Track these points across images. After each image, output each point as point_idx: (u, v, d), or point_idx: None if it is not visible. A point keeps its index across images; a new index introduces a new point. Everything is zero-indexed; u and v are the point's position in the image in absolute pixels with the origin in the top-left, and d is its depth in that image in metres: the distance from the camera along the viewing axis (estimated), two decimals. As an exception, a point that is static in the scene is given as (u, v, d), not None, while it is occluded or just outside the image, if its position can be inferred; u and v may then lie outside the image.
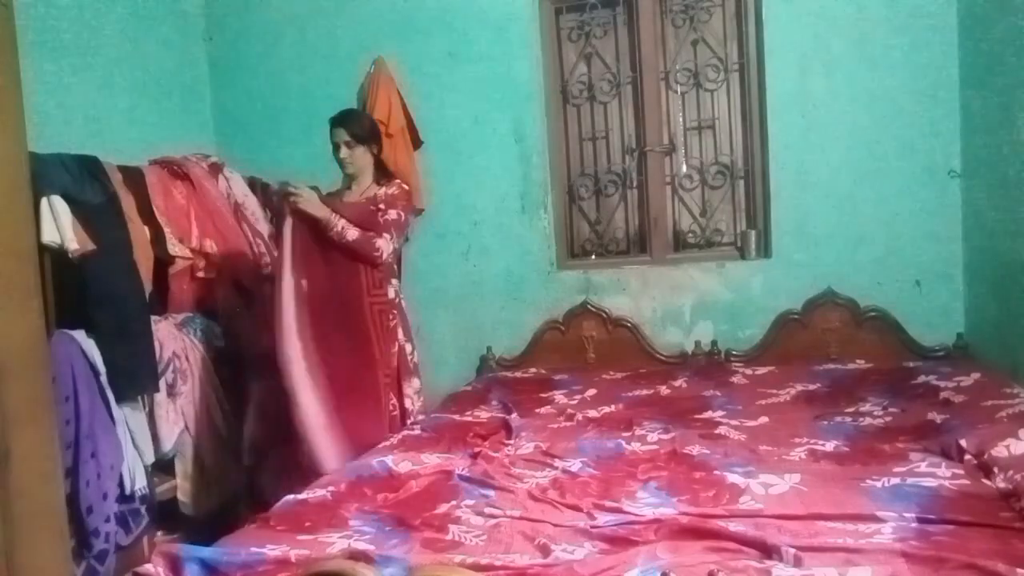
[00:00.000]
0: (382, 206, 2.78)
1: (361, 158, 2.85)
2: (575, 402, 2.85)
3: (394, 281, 2.89)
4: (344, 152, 2.83)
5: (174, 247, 2.85)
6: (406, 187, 2.91)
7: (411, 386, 2.89)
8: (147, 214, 2.80)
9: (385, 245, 2.73)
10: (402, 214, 2.82)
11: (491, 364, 3.49)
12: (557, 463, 2.13)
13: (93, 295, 2.46)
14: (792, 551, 1.44)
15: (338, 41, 3.65)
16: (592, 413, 2.67)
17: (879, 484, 1.80)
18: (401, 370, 2.85)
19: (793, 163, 3.18)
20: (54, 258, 2.36)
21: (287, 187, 2.67)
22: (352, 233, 2.69)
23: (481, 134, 3.51)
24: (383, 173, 2.93)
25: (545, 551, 1.57)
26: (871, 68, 3.07)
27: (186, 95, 3.72)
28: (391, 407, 2.81)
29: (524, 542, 1.63)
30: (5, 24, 1.25)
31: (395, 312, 2.85)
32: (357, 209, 2.77)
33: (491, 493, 1.94)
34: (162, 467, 2.78)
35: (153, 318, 2.74)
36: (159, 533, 2.71)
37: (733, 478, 1.90)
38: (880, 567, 1.38)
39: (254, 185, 3.43)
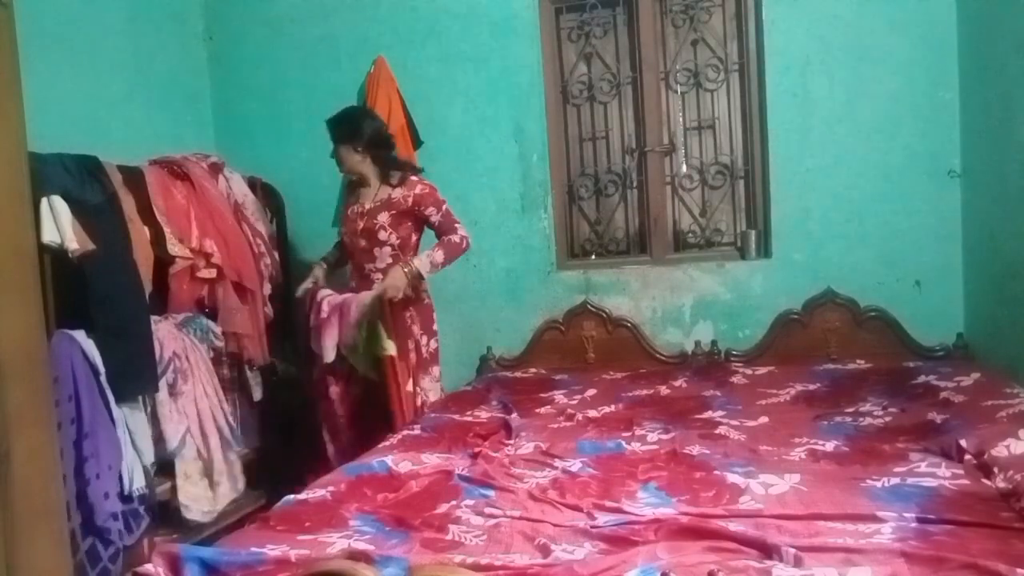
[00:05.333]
0: (420, 210, 2.86)
1: (348, 159, 2.90)
2: (575, 402, 2.85)
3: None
4: (337, 158, 2.93)
5: (174, 247, 2.85)
6: (420, 179, 2.93)
7: (429, 376, 2.97)
8: (147, 214, 2.80)
9: (463, 231, 2.85)
10: (443, 202, 2.88)
11: (491, 364, 3.49)
12: (557, 463, 2.13)
13: (93, 295, 2.46)
14: (792, 551, 1.44)
15: (338, 41, 3.65)
16: (592, 413, 2.67)
17: (879, 484, 1.80)
18: (418, 364, 2.93)
19: (793, 163, 3.19)
20: (54, 258, 2.36)
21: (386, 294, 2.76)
22: (439, 256, 2.81)
23: (481, 134, 3.51)
24: (386, 167, 2.92)
25: (545, 551, 1.57)
26: (871, 68, 3.07)
27: (186, 95, 3.72)
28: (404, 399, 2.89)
29: (524, 542, 1.63)
30: (5, 24, 1.25)
31: (411, 309, 2.91)
32: (395, 217, 2.86)
33: (491, 493, 1.94)
34: (164, 468, 2.77)
35: (153, 318, 2.74)
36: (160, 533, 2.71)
37: (733, 478, 1.90)
38: (880, 567, 1.38)
39: (254, 185, 3.43)
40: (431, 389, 2.97)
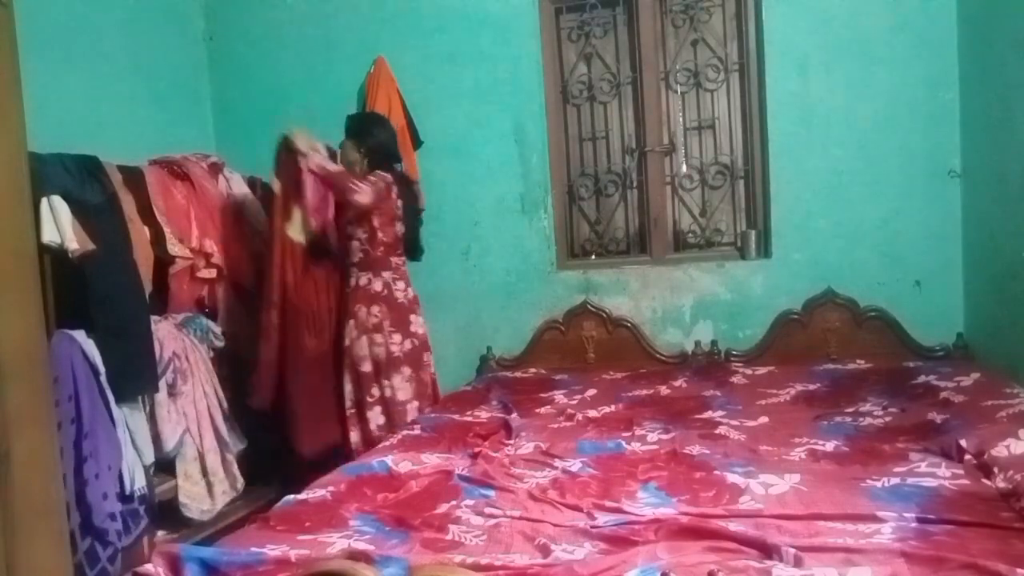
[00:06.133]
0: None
1: (349, 153, 3.06)
2: (575, 402, 2.85)
3: (384, 273, 3.01)
4: (341, 149, 3.12)
5: (174, 247, 2.85)
6: (381, 175, 2.99)
7: (400, 375, 2.99)
8: (147, 214, 2.80)
9: (364, 188, 2.85)
10: (369, 186, 2.89)
11: (491, 364, 3.49)
12: (557, 463, 2.13)
13: (93, 295, 2.46)
14: (792, 551, 1.44)
15: (338, 41, 3.65)
16: (592, 413, 2.67)
17: (879, 484, 1.80)
18: (387, 361, 2.97)
19: (793, 163, 3.19)
20: (54, 258, 2.36)
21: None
22: (331, 166, 2.89)
23: (481, 134, 3.51)
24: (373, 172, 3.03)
25: (545, 551, 1.57)
26: (871, 68, 3.07)
27: (186, 95, 3.72)
28: (372, 396, 2.99)
29: (524, 542, 1.63)
30: (5, 24, 1.25)
31: (379, 305, 2.98)
32: (357, 213, 2.95)
33: (491, 493, 1.94)
34: (163, 467, 2.77)
35: (153, 318, 2.74)
36: (160, 533, 2.71)
37: (733, 478, 1.90)
38: (880, 567, 1.38)
39: (254, 185, 3.43)
40: (400, 388, 2.99)
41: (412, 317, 3.06)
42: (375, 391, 2.99)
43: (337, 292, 3.13)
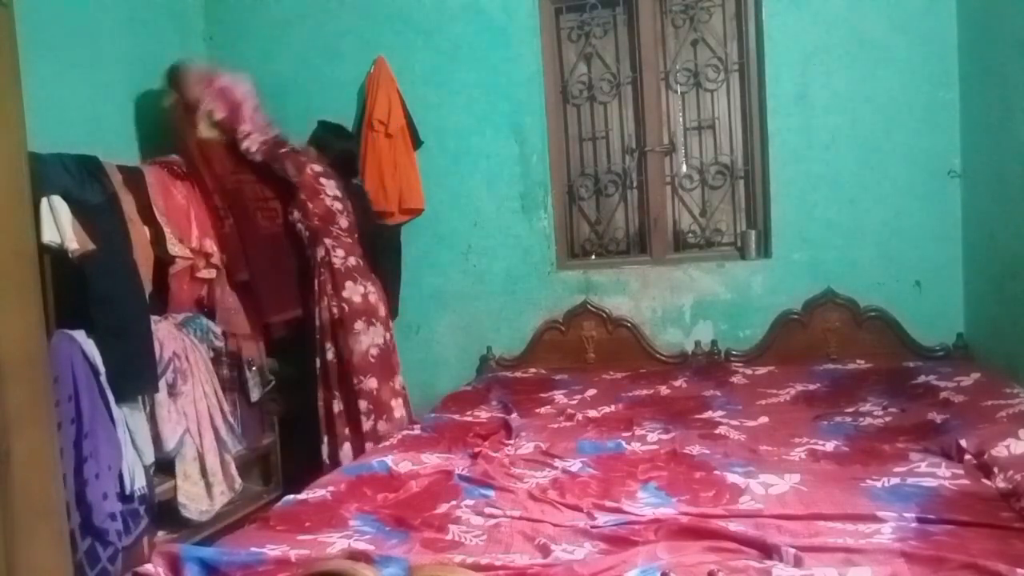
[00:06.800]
0: (297, 178, 3.18)
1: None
2: (575, 402, 2.85)
3: (326, 240, 3.16)
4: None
5: (174, 247, 2.85)
6: (304, 160, 3.22)
7: (338, 337, 3.13)
8: (147, 214, 2.80)
9: (254, 136, 3.16)
10: (265, 137, 3.19)
11: (491, 364, 3.49)
12: (557, 463, 2.13)
13: (93, 295, 2.46)
14: (792, 551, 1.44)
15: (338, 41, 3.65)
16: (592, 413, 2.68)
17: (879, 484, 1.80)
18: (329, 323, 3.13)
19: (793, 163, 3.18)
20: (54, 258, 2.36)
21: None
22: (249, 108, 3.15)
23: (481, 134, 3.51)
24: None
25: (545, 551, 1.57)
26: (871, 68, 3.07)
27: (186, 95, 3.71)
28: (324, 358, 3.15)
29: (524, 542, 1.64)
30: (5, 24, 1.25)
31: (323, 270, 3.15)
32: (299, 205, 3.19)
33: (491, 493, 1.94)
34: (163, 467, 2.77)
35: (153, 318, 2.74)
36: (159, 533, 2.71)
37: (733, 478, 1.90)
38: (880, 567, 1.38)
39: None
40: (341, 349, 3.12)
41: (347, 283, 3.14)
42: (324, 354, 3.14)
43: (282, 181, 3.25)
